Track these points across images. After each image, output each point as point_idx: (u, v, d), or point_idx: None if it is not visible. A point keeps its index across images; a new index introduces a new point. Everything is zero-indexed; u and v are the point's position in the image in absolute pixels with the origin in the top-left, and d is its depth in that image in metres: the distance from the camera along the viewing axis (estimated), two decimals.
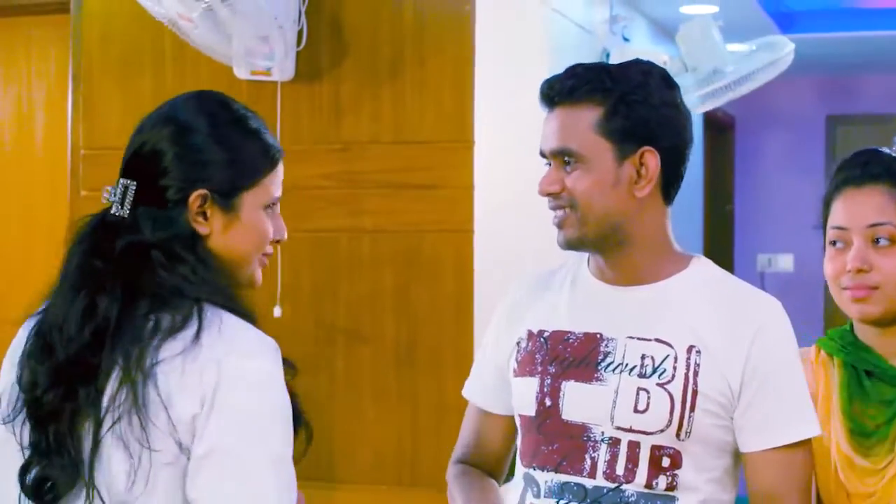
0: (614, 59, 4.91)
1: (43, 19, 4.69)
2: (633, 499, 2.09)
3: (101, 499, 1.76)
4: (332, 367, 3.93)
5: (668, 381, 2.09)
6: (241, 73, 3.85)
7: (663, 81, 2.17)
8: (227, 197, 1.89)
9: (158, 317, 1.79)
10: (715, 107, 5.31)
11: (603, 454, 2.11)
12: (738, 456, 2.16)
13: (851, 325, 2.29)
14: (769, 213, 8.28)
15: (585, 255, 2.26)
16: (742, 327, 2.12)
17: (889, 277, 2.17)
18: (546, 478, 2.14)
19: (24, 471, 1.80)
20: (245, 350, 1.81)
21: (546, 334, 2.21)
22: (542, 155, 2.20)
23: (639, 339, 2.14)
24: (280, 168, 1.98)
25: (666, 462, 2.09)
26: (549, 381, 2.17)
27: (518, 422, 2.24)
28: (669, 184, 2.18)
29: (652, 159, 2.13)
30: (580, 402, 2.13)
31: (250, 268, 1.96)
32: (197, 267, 1.85)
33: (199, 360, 1.77)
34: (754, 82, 5.08)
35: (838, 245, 2.21)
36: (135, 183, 1.88)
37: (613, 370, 2.13)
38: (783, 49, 5.03)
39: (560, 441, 2.14)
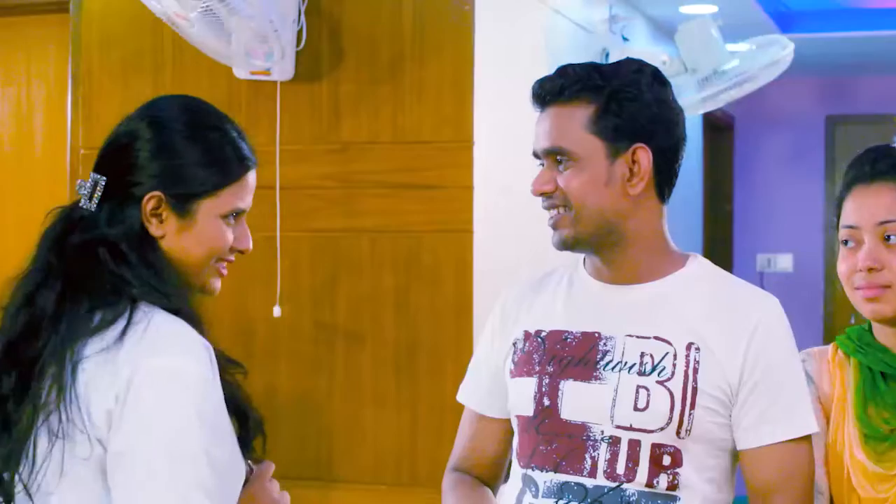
0: (614, 59, 4.90)
1: (42, 19, 4.69)
2: (633, 498, 2.08)
3: (24, 486, 1.81)
4: (332, 367, 3.93)
5: (668, 379, 2.09)
6: (241, 72, 3.85)
7: (654, 79, 2.18)
8: (182, 202, 1.92)
9: (94, 314, 1.84)
10: (715, 108, 5.32)
11: (603, 453, 2.10)
12: (735, 456, 2.16)
13: (870, 324, 2.26)
14: (768, 213, 8.28)
15: (581, 256, 2.26)
16: (740, 324, 2.12)
17: None
18: (545, 478, 2.13)
19: None
20: (165, 349, 1.82)
21: (543, 334, 2.21)
22: (536, 155, 2.20)
23: (637, 337, 2.14)
24: (247, 180, 1.99)
25: (667, 460, 2.09)
26: (547, 380, 2.16)
27: (515, 422, 2.23)
28: (663, 182, 2.18)
29: (644, 156, 2.14)
30: (579, 401, 2.13)
31: (203, 274, 1.98)
32: (138, 267, 1.88)
33: (118, 357, 1.80)
34: (755, 83, 5.08)
35: (850, 244, 2.19)
36: (104, 178, 1.92)
37: (612, 368, 2.13)
38: (783, 49, 5.03)
39: (559, 441, 2.14)
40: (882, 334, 2.21)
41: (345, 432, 3.92)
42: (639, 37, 5.67)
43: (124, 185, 1.91)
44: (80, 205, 1.93)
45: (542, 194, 2.17)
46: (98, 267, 1.88)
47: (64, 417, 1.78)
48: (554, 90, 2.16)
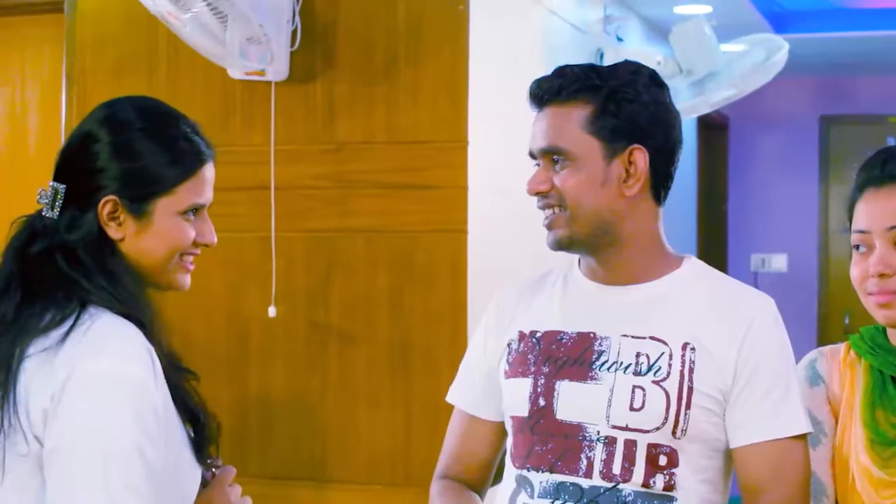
0: (608, 60, 4.91)
1: (36, 19, 4.68)
2: (630, 498, 2.08)
3: None
4: (327, 366, 3.93)
5: (664, 379, 2.10)
6: (235, 73, 3.85)
7: (652, 80, 2.18)
8: (138, 203, 1.93)
9: (45, 315, 1.86)
10: (710, 111, 5.32)
11: (599, 453, 2.10)
12: (730, 457, 2.16)
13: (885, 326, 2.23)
14: (763, 213, 8.29)
15: (576, 256, 2.26)
16: (735, 324, 2.12)
17: None
18: (541, 478, 2.13)
19: None
20: (102, 351, 1.83)
21: (538, 335, 2.21)
22: (532, 155, 2.20)
23: (633, 337, 2.14)
24: (203, 174, 1.99)
25: (663, 461, 2.09)
26: (542, 381, 2.16)
27: (509, 423, 2.23)
28: (659, 184, 2.19)
29: (641, 157, 2.14)
30: (575, 401, 2.13)
31: (168, 272, 1.99)
32: (94, 271, 1.91)
33: (58, 358, 1.82)
34: (750, 84, 5.08)
35: (861, 249, 2.15)
36: (64, 186, 1.95)
37: (608, 369, 2.13)
38: (777, 52, 5.03)
39: (554, 441, 2.13)
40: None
41: (339, 432, 3.92)
42: (633, 37, 5.68)
43: (85, 190, 1.93)
44: (43, 213, 1.96)
45: (537, 194, 2.17)
46: (54, 272, 1.90)
47: (5, 415, 1.81)
48: (552, 90, 2.16)
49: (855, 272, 2.16)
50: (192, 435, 1.94)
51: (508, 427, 2.24)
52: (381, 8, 3.88)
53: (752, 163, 8.34)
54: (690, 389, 2.09)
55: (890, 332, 2.19)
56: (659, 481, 2.09)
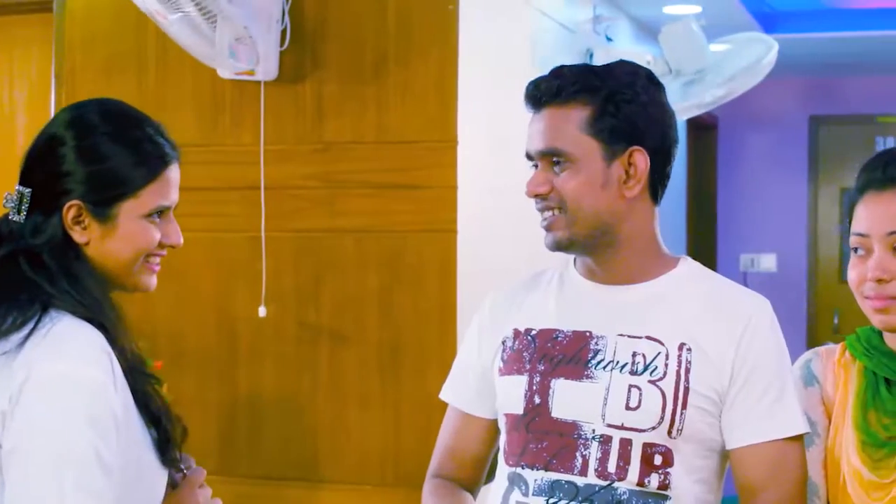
0: (598, 59, 4.91)
1: (25, 19, 4.67)
2: (625, 497, 2.08)
3: None
4: (316, 367, 3.93)
5: (660, 379, 2.10)
6: (225, 72, 3.84)
7: (649, 81, 2.18)
8: (102, 207, 1.93)
9: (6, 319, 1.86)
10: (700, 113, 5.32)
11: (594, 452, 2.10)
12: (724, 457, 2.16)
13: None
14: (752, 213, 8.29)
15: (571, 255, 2.26)
16: (731, 325, 2.13)
17: None
18: (535, 476, 2.13)
19: None
20: (60, 354, 1.84)
21: (534, 332, 2.21)
22: (529, 157, 2.19)
23: (629, 336, 2.14)
24: (168, 175, 1.99)
25: (658, 460, 2.09)
26: (538, 378, 2.16)
27: (503, 421, 2.23)
28: (657, 183, 2.19)
29: (641, 159, 2.14)
30: (570, 399, 2.13)
31: (134, 274, 1.99)
32: (57, 274, 1.91)
33: (16, 360, 1.83)
34: (740, 86, 5.09)
35: (860, 252, 2.14)
36: (30, 190, 1.95)
37: (604, 368, 2.13)
38: (767, 52, 5.04)
39: (549, 439, 2.13)
40: (892, 340, 2.17)
41: (329, 432, 3.92)
42: (623, 37, 5.68)
43: (51, 193, 1.93)
44: (10, 217, 1.96)
45: (537, 196, 2.16)
46: (18, 276, 1.90)
47: None
48: (550, 91, 2.15)
49: (852, 275, 2.15)
50: (156, 437, 1.94)
51: (502, 424, 2.23)
52: (370, 8, 3.88)
53: (741, 163, 8.35)
54: (687, 390, 2.09)
55: (886, 334, 2.19)
56: (654, 480, 2.09)
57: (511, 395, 2.19)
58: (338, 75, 3.90)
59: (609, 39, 5.30)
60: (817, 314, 8.12)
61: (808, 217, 8.24)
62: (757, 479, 2.11)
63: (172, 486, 1.98)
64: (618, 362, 2.12)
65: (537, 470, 2.13)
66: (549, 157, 2.15)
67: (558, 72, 2.17)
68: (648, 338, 2.13)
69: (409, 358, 3.83)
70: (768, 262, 8.24)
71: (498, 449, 2.27)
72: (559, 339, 2.18)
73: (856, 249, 2.15)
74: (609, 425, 2.10)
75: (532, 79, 2.19)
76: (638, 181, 2.14)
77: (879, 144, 7.91)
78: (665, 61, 5.21)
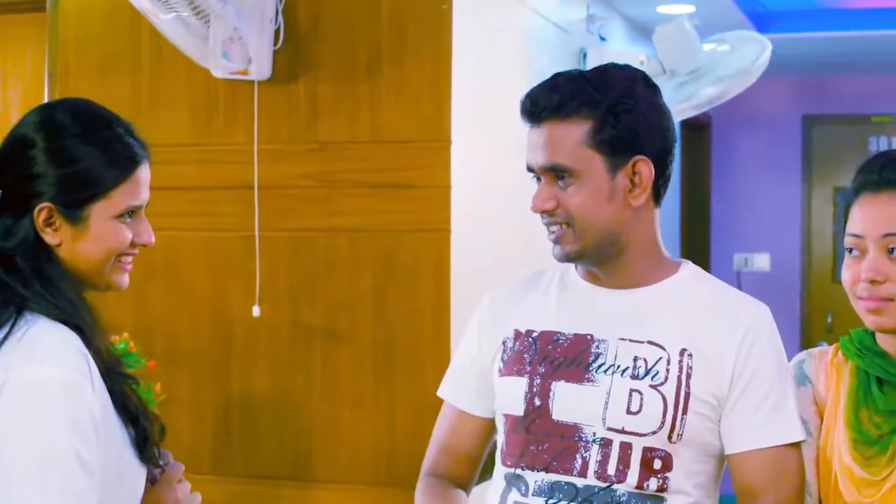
0: (591, 59, 4.91)
1: (18, 18, 4.67)
2: (623, 498, 2.09)
3: None
4: (310, 366, 3.93)
5: (662, 383, 2.10)
6: (218, 72, 3.84)
7: (646, 85, 2.17)
8: (73, 209, 1.93)
9: None
10: (695, 114, 5.33)
11: (594, 454, 2.11)
12: (722, 461, 2.17)
13: None
14: (745, 213, 8.30)
15: None
16: (732, 331, 2.13)
17: None
18: (535, 477, 2.14)
19: None
20: (36, 357, 1.83)
21: (535, 334, 2.21)
22: (530, 169, 2.18)
23: (631, 340, 2.14)
24: (138, 175, 1.98)
25: (657, 464, 2.10)
26: (538, 380, 2.16)
27: (502, 421, 2.23)
28: (660, 187, 2.20)
29: (645, 168, 2.14)
30: (571, 402, 2.13)
31: (106, 273, 1.98)
32: (31, 277, 1.90)
33: None
34: (734, 87, 5.09)
35: (854, 253, 2.15)
36: (0, 192, 1.93)
37: (605, 371, 2.13)
38: (761, 52, 5.04)
39: (550, 441, 2.14)
40: (884, 340, 2.19)
41: (323, 432, 3.92)
42: (616, 37, 5.69)
43: (22, 196, 1.92)
44: None
45: (543, 212, 2.16)
46: None
47: None
48: (550, 107, 2.12)
49: (846, 275, 2.16)
50: (134, 436, 1.94)
51: (500, 425, 2.24)
52: (364, 7, 3.88)
53: (734, 162, 8.36)
54: (688, 395, 2.10)
55: (878, 335, 2.19)
56: (652, 484, 2.10)
57: (511, 396, 2.19)
58: (331, 75, 3.90)
59: (602, 39, 5.31)
60: (810, 314, 8.13)
61: (801, 217, 8.25)
62: (756, 484, 2.12)
63: (151, 481, 1.98)
64: (619, 366, 2.13)
65: (537, 471, 2.14)
66: (553, 173, 2.14)
67: (554, 84, 2.14)
68: (650, 342, 2.13)
69: (403, 357, 3.83)
70: (762, 261, 8.25)
71: (493, 448, 2.28)
72: (560, 341, 2.18)
73: (850, 250, 2.16)
74: (610, 429, 2.11)
75: (527, 92, 2.17)
76: (644, 190, 2.15)
77: (872, 144, 7.93)
78: (659, 61, 5.22)
